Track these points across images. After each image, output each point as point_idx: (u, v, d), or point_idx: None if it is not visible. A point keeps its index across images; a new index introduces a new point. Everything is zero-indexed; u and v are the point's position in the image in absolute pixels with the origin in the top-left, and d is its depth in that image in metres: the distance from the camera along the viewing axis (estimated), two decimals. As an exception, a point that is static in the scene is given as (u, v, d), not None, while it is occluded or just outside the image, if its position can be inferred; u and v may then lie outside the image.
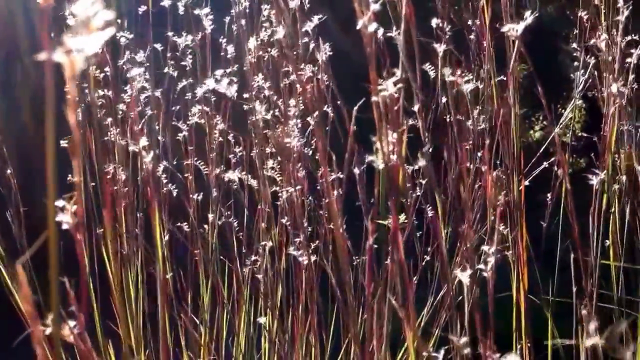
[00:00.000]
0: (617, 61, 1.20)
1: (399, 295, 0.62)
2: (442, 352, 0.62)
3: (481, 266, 0.77)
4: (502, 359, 0.59)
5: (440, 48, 0.98)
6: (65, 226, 0.54)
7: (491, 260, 0.77)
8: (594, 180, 1.17)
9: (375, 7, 0.61)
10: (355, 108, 0.83)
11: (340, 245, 0.73)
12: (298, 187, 1.33)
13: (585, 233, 1.57)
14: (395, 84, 0.63)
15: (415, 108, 1.00)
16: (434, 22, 1.27)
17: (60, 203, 0.59)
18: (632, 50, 1.21)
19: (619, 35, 1.20)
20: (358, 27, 0.61)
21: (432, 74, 1.39)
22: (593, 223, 1.35)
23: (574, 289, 1.25)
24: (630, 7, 1.15)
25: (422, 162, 0.65)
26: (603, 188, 1.30)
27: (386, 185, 0.59)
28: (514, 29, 0.98)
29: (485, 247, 0.79)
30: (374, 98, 0.62)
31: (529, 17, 1.03)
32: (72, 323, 0.55)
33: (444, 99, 1.33)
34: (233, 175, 1.36)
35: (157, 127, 1.69)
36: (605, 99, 1.31)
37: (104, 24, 0.41)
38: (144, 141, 0.90)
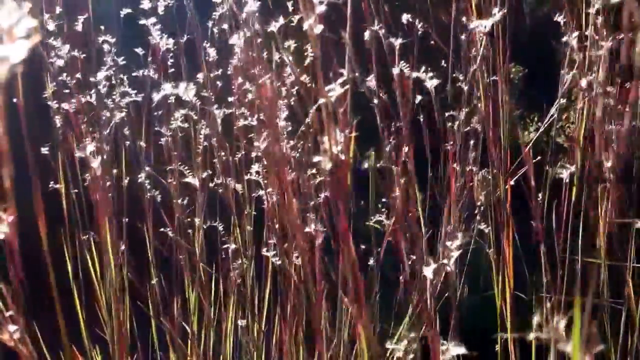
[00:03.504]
0: (587, 57, 1.20)
1: (352, 292, 0.62)
2: (395, 346, 0.62)
3: (444, 261, 0.77)
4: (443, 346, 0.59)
5: (397, 42, 0.98)
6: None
7: (454, 254, 0.77)
8: (564, 174, 1.17)
9: (321, 8, 0.61)
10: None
11: (301, 244, 0.73)
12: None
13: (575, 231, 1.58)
14: (342, 85, 0.63)
15: (376, 101, 1.00)
16: (405, 17, 1.27)
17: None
18: (602, 43, 1.21)
19: (588, 29, 1.19)
20: (304, 29, 0.62)
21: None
22: (559, 217, 1.35)
23: (544, 282, 1.25)
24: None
25: (365, 165, 0.65)
26: (573, 182, 1.30)
27: (333, 185, 0.59)
28: (482, 25, 0.97)
29: (448, 243, 0.79)
30: (320, 100, 0.62)
31: (497, 14, 1.03)
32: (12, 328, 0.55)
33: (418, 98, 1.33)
34: (194, 180, 1.36)
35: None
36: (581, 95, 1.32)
37: (27, 31, 0.42)
38: (91, 147, 0.90)
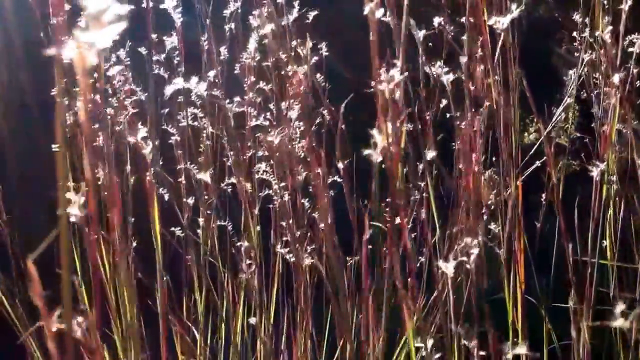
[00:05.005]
0: (619, 51, 1.19)
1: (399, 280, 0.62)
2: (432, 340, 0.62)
3: (464, 258, 0.76)
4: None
5: (420, 34, 0.97)
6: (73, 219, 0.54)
7: (474, 251, 0.76)
8: (594, 172, 1.16)
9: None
10: (343, 105, 0.83)
11: (330, 239, 0.72)
12: (285, 185, 1.32)
13: (583, 233, 1.57)
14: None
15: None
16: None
17: (72, 195, 0.58)
18: (635, 40, 1.20)
19: (621, 24, 1.18)
20: (365, 13, 0.61)
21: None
22: (593, 217, 1.34)
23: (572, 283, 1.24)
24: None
25: (431, 154, 0.65)
26: (603, 179, 1.29)
27: (389, 175, 0.58)
28: (499, 22, 0.97)
29: (467, 239, 0.78)
30: (379, 87, 0.61)
31: (515, 11, 1.03)
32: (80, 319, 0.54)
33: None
34: (205, 177, 1.35)
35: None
36: (602, 94, 1.31)
37: (116, 18, 0.41)
38: (143, 132, 0.88)
